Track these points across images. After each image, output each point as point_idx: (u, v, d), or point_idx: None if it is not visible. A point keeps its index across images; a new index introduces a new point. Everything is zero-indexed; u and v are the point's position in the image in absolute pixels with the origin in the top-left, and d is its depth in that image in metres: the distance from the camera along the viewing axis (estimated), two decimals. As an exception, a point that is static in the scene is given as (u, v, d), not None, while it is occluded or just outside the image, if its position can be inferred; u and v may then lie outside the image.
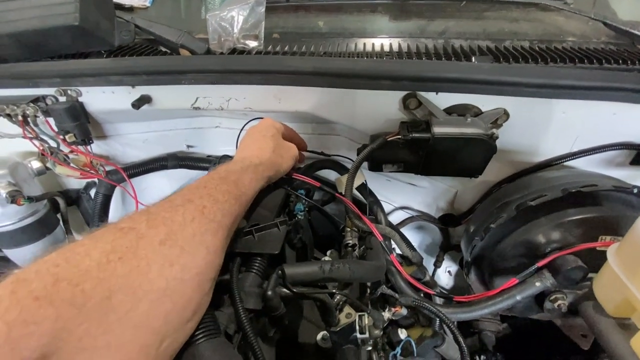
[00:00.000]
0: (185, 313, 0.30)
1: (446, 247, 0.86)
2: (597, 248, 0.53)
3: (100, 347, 0.24)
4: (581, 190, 0.54)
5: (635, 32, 0.67)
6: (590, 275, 0.53)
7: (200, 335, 0.30)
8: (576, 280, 0.52)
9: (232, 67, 0.60)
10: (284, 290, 0.42)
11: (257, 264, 0.43)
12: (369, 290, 0.61)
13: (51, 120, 0.71)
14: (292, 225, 0.53)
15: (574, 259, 0.52)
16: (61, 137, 0.70)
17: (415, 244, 0.91)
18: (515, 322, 0.86)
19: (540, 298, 0.59)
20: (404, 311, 0.56)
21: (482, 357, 0.75)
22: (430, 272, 0.93)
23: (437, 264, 0.89)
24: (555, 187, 0.57)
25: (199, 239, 0.33)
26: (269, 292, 0.39)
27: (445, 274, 0.94)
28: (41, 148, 0.74)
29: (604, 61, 0.63)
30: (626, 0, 0.99)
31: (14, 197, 0.66)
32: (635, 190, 0.54)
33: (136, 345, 0.26)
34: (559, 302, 0.56)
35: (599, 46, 0.70)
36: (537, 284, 0.55)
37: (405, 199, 0.84)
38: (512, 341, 0.85)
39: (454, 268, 0.93)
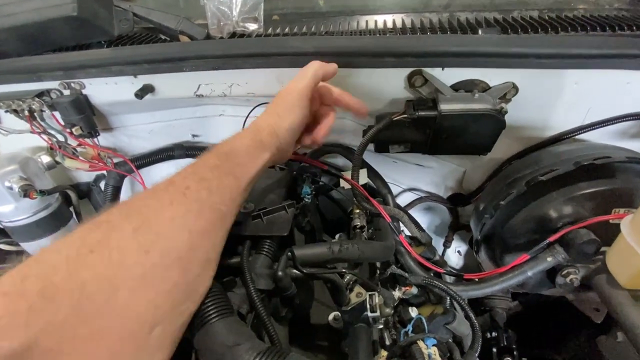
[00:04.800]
0: (175, 297, 0.29)
1: (455, 227, 0.85)
2: (611, 221, 0.52)
3: (82, 336, 0.24)
4: (594, 163, 0.53)
5: (650, -4, 0.64)
6: (603, 248, 0.52)
7: (214, 315, 0.31)
8: (589, 253, 0.52)
9: (232, 51, 0.59)
10: (294, 271, 0.43)
11: (267, 246, 0.44)
12: (378, 271, 0.61)
13: (57, 114, 0.71)
14: (299, 209, 0.53)
15: (587, 232, 0.51)
16: (68, 130, 0.71)
17: (424, 224, 0.91)
18: (526, 299, 0.86)
19: (552, 273, 0.58)
20: (414, 290, 0.57)
21: (494, 333, 0.75)
22: (440, 252, 0.93)
23: (446, 244, 0.89)
24: (567, 161, 0.55)
25: (179, 222, 0.32)
26: (280, 273, 0.39)
27: (455, 254, 0.93)
28: (50, 142, 0.75)
29: (617, 28, 0.60)
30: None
31: (26, 191, 0.67)
32: (651, 161, 0.53)
33: (121, 333, 0.26)
34: (571, 276, 0.56)
35: (612, 13, 0.67)
36: (549, 259, 0.54)
37: (413, 180, 0.83)
38: (523, 318, 0.85)
39: (463, 248, 0.92)
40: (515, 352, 0.73)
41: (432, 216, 0.90)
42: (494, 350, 0.74)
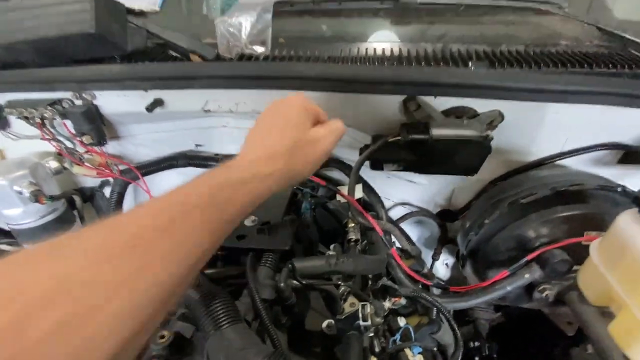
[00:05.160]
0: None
1: (444, 241, 0.90)
2: (583, 243, 0.58)
3: None
4: (569, 189, 0.58)
5: (626, 35, 0.70)
6: (575, 267, 0.57)
7: (225, 322, 0.35)
8: (562, 272, 0.57)
9: (240, 73, 0.63)
10: (294, 282, 0.47)
11: (270, 259, 0.48)
12: (370, 282, 0.65)
13: (68, 122, 0.74)
14: (299, 223, 0.57)
15: (560, 253, 0.56)
16: (78, 138, 0.74)
17: (414, 237, 0.96)
18: (508, 311, 0.91)
19: (529, 288, 0.63)
20: (403, 301, 0.61)
21: (476, 343, 0.80)
22: (429, 265, 0.97)
23: (435, 257, 0.93)
24: (545, 186, 0.61)
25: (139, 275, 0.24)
26: (282, 284, 0.43)
27: (443, 266, 0.98)
28: (59, 148, 0.78)
29: (594, 65, 0.66)
30: (622, -1, 1.01)
31: (36, 196, 0.70)
32: (620, 189, 0.58)
33: None
34: (547, 292, 0.60)
35: (592, 49, 0.73)
36: (527, 275, 0.59)
37: (405, 195, 0.88)
38: (505, 330, 0.90)
39: (451, 261, 0.97)
40: (496, 361, 0.78)
41: (422, 230, 0.95)
42: (476, 359, 0.79)
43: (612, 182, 0.61)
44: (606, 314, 0.54)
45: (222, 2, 1.00)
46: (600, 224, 0.58)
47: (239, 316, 0.36)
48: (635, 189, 0.62)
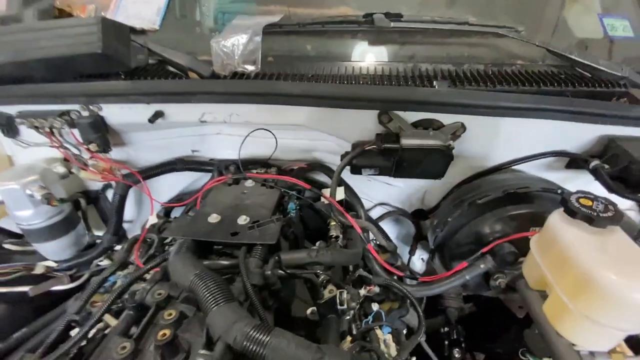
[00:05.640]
0: None
1: (419, 238, 1.00)
2: (528, 237, 0.67)
3: None
4: (517, 191, 0.68)
5: (572, 56, 0.80)
6: (521, 259, 0.67)
7: (222, 300, 0.43)
8: (510, 262, 0.66)
9: (234, 90, 0.71)
10: (280, 271, 0.55)
11: (259, 251, 0.56)
12: (350, 273, 0.74)
13: (75, 131, 0.82)
14: (285, 221, 0.66)
15: (508, 246, 0.66)
16: (85, 146, 0.81)
17: (392, 235, 1.05)
18: (476, 302, 1.01)
19: (487, 277, 0.73)
20: (376, 289, 0.70)
21: (446, 329, 0.89)
22: (406, 260, 1.07)
23: (411, 252, 1.03)
24: (498, 189, 0.70)
25: None
26: (268, 272, 0.52)
27: (419, 261, 1.08)
28: (66, 155, 0.85)
29: (541, 84, 0.76)
30: (583, 18, 1.12)
31: (48, 199, 0.77)
32: (559, 191, 0.68)
33: None
34: (500, 280, 0.70)
35: (542, 69, 0.83)
36: (482, 266, 0.68)
37: (383, 196, 0.97)
38: (472, 318, 1.00)
39: (426, 256, 1.07)
40: (463, 345, 0.87)
41: (400, 228, 1.04)
42: (446, 342, 0.88)
43: (554, 184, 0.71)
44: (543, 297, 0.64)
45: (215, 10, 1.09)
46: (543, 221, 0.68)
47: (233, 297, 0.45)
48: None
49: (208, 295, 0.43)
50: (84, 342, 0.52)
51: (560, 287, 0.53)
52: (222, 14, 1.13)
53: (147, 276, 0.60)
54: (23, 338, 0.82)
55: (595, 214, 0.51)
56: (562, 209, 0.57)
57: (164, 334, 0.40)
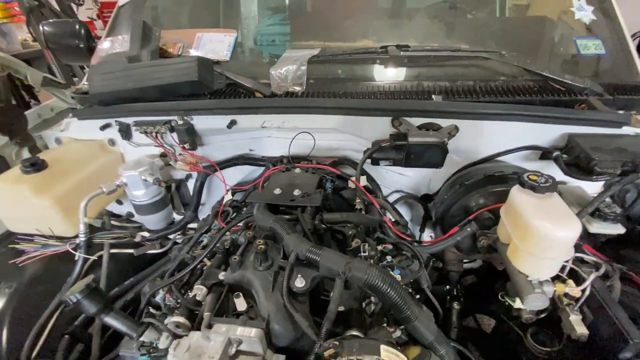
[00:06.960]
0: None
1: (426, 218, 1.25)
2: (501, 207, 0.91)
3: None
4: (494, 175, 0.93)
5: (544, 73, 1.04)
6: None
7: (291, 232, 0.72)
8: (488, 226, 0.91)
9: (286, 104, 1.02)
10: (322, 225, 0.84)
11: (309, 211, 0.85)
12: (370, 235, 1.01)
13: (174, 135, 1.15)
14: (324, 195, 0.94)
15: (487, 214, 0.91)
16: (181, 145, 1.14)
17: (406, 216, 1.31)
18: (477, 274, 1.24)
19: (474, 241, 0.97)
20: (390, 247, 0.96)
21: (448, 287, 1.13)
22: (417, 236, 1.32)
23: (421, 230, 1.28)
24: (481, 173, 0.95)
25: None
26: (316, 222, 0.80)
27: (428, 238, 1.32)
28: (167, 152, 1.19)
29: (516, 95, 1.01)
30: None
31: (158, 182, 1.10)
32: (525, 175, 0.92)
33: None
34: (483, 241, 0.94)
35: (520, 83, 1.07)
36: (468, 229, 0.93)
37: (398, 184, 1.23)
38: (475, 286, 1.23)
39: (434, 234, 1.31)
40: (461, 299, 1.11)
41: (412, 210, 1.30)
42: (448, 297, 1.12)
43: (523, 169, 0.95)
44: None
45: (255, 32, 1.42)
46: (515, 197, 0.92)
47: (296, 230, 0.73)
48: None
49: (283, 228, 0.73)
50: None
51: (514, 236, 0.78)
52: (260, 35, 1.47)
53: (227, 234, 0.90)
54: (132, 284, 1.15)
55: (537, 184, 0.76)
56: (518, 185, 0.81)
57: (261, 246, 0.69)
